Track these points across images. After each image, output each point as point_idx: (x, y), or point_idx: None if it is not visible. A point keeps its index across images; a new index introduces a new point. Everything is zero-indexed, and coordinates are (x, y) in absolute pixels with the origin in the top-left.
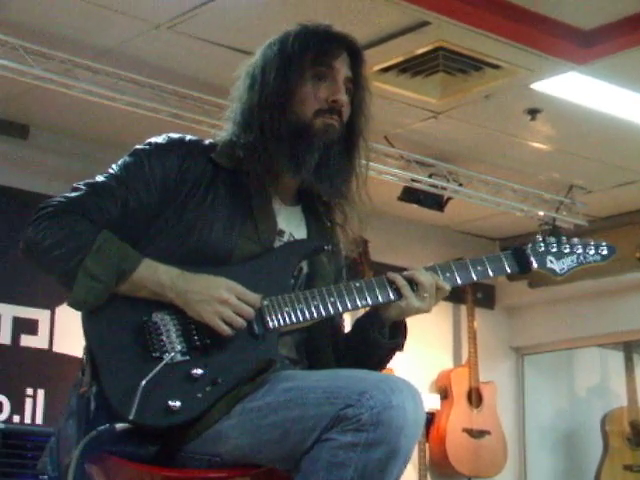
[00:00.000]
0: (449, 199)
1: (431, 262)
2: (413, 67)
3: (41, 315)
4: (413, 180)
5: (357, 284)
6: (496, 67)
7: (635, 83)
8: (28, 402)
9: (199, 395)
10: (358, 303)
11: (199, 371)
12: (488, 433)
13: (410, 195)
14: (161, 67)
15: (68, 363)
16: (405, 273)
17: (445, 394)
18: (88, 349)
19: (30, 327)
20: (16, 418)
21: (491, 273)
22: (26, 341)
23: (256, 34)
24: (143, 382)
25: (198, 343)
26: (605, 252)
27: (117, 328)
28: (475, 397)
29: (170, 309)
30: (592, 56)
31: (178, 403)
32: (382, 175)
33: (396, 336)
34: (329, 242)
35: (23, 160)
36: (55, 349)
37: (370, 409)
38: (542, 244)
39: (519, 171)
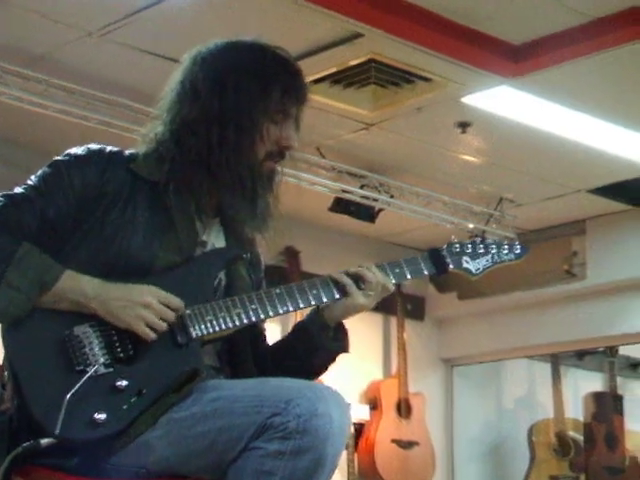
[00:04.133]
0: (380, 210)
1: None
2: (345, 79)
3: None
4: (344, 191)
5: (278, 291)
6: (427, 80)
7: (564, 97)
8: None
9: (124, 407)
10: (279, 309)
11: (123, 382)
12: (417, 444)
13: (341, 206)
14: (92, 75)
15: None
16: (352, 270)
17: (374, 405)
18: (9, 363)
19: None
20: None
21: (409, 275)
22: None
23: (187, 43)
24: (67, 396)
25: (122, 354)
26: (518, 251)
27: (39, 342)
28: (404, 408)
29: (92, 321)
30: (522, 70)
31: (104, 415)
32: (313, 186)
33: (339, 339)
34: (247, 251)
35: None
36: None
37: (297, 417)
38: (457, 245)
39: (450, 183)
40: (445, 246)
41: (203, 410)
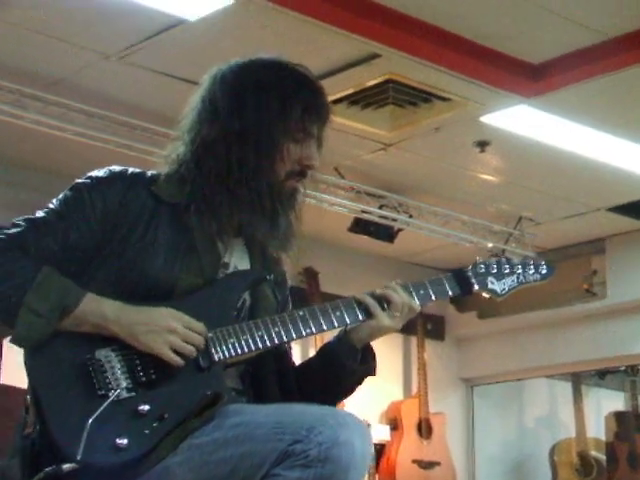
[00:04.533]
0: (399, 230)
1: None
2: (363, 99)
3: None
4: (363, 211)
5: (301, 313)
6: (446, 100)
7: (583, 116)
8: None
9: (146, 431)
10: (302, 332)
11: (145, 407)
12: (438, 464)
13: (360, 226)
14: (111, 98)
15: (17, 395)
16: (378, 291)
17: (395, 425)
18: (31, 388)
19: None
20: None
21: (433, 296)
22: None
23: (207, 65)
24: (89, 421)
25: (144, 379)
26: (544, 271)
27: (61, 366)
28: (425, 428)
29: (114, 345)
30: (541, 89)
31: (125, 440)
32: (333, 207)
33: (366, 360)
34: (272, 272)
35: None
36: (3, 380)
37: (318, 445)
38: (482, 265)
39: (468, 203)
40: (470, 267)
41: (225, 436)
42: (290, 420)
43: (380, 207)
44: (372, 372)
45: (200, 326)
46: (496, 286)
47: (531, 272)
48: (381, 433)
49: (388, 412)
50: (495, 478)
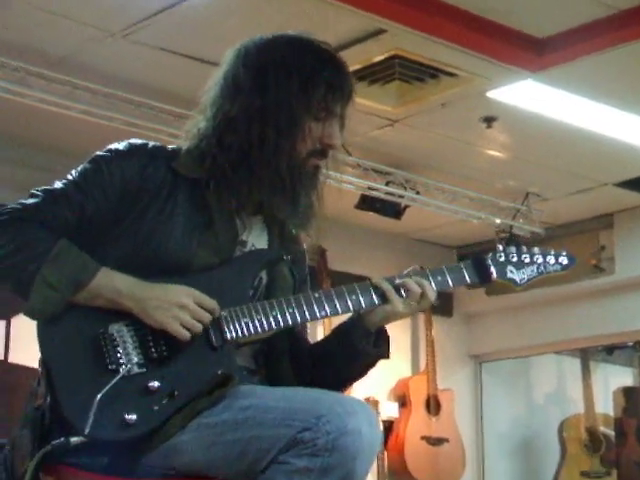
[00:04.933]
0: (406, 207)
1: (389, 270)
2: (369, 75)
3: None
4: (370, 188)
5: (316, 295)
6: (452, 75)
7: (590, 91)
8: None
9: (155, 408)
10: (317, 314)
11: (156, 384)
12: (446, 441)
13: (367, 203)
14: (116, 75)
15: (24, 373)
16: (397, 281)
17: (403, 402)
18: (43, 360)
19: None
20: None
21: (451, 283)
22: None
23: (212, 42)
24: (99, 396)
25: (155, 355)
26: (565, 262)
27: (73, 339)
28: (433, 405)
29: (127, 320)
30: (547, 64)
31: (134, 416)
32: (339, 183)
33: (380, 344)
34: (290, 251)
35: None
36: (11, 359)
37: (326, 434)
38: (502, 254)
39: (475, 179)
40: (490, 254)
41: (234, 418)
42: (299, 406)
43: (387, 184)
44: (386, 355)
45: (212, 303)
46: (515, 275)
47: (551, 262)
48: (389, 410)
49: (396, 389)
50: (504, 454)
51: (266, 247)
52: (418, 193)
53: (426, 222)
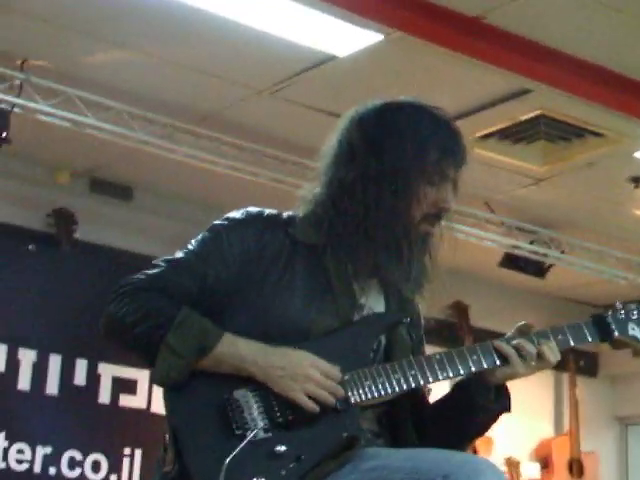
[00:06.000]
0: (551, 266)
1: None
2: (515, 134)
3: (139, 374)
4: (514, 246)
5: (437, 356)
6: (599, 135)
7: None
8: (125, 462)
9: (283, 472)
10: (439, 375)
11: (282, 448)
12: None
13: (511, 261)
14: (262, 131)
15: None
16: (514, 341)
17: (545, 463)
18: (170, 426)
19: (129, 387)
20: (113, 477)
21: (572, 342)
22: (125, 401)
23: (357, 100)
24: (227, 461)
25: (280, 419)
26: None
27: (199, 405)
28: (576, 468)
29: (251, 385)
30: None
31: None
32: (483, 241)
33: (500, 398)
34: (407, 313)
35: (127, 221)
36: (153, 409)
37: None
38: (622, 311)
39: (622, 238)
40: (610, 312)
41: (361, 479)
42: (426, 466)
43: (531, 242)
44: (507, 409)
45: (335, 372)
46: (637, 332)
47: None
48: (531, 471)
49: (538, 450)
50: None
51: (383, 310)
52: (563, 252)
53: (571, 281)
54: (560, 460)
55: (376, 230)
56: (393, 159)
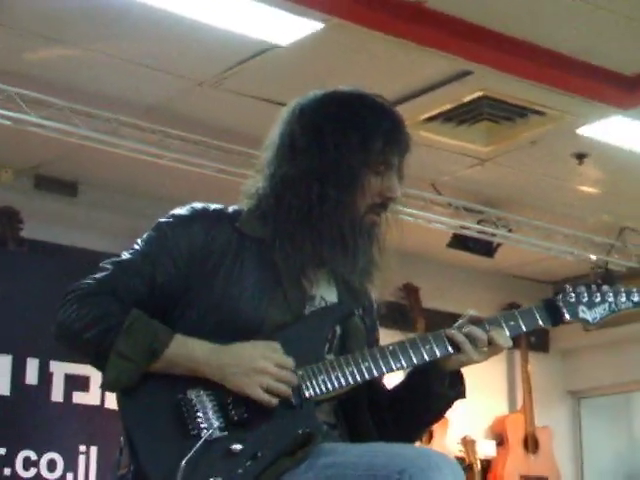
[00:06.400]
0: (499, 245)
1: (482, 307)
2: (458, 116)
3: (92, 371)
4: (462, 227)
5: (391, 347)
6: (541, 114)
7: None
8: (81, 459)
9: (240, 471)
10: (393, 366)
11: (238, 446)
12: (546, 479)
13: (459, 242)
14: (206, 123)
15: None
16: (465, 329)
17: (501, 440)
18: (125, 429)
19: (82, 384)
20: (69, 476)
21: (524, 328)
22: (78, 398)
23: (299, 88)
24: (183, 462)
25: (236, 418)
26: (636, 298)
27: (152, 407)
28: (531, 443)
29: (205, 384)
30: (636, 100)
31: None
32: (431, 223)
33: (455, 385)
34: (359, 301)
35: (73, 217)
36: (107, 405)
37: None
38: (572, 294)
39: (568, 215)
40: (560, 296)
41: (317, 476)
42: (381, 462)
43: (479, 222)
44: (461, 395)
45: (289, 362)
46: (587, 315)
47: (622, 300)
48: (487, 449)
49: (493, 427)
50: None
51: (336, 300)
52: (510, 231)
53: (519, 259)
54: (515, 436)
55: (321, 225)
56: (336, 153)
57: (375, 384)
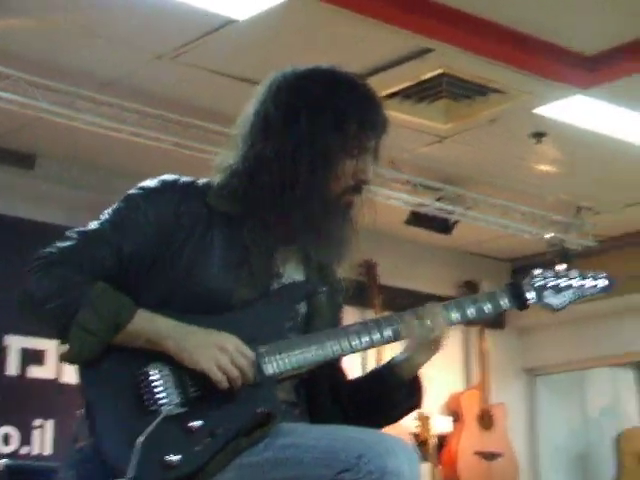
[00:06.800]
0: (456, 222)
1: (439, 284)
2: (417, 93)
3: (48, 345)
4: (420, 204)
5: (354, 327)
6: (500, 92)
7: (639, 105)
8: (36, 433)
9: (198, 448)
10: (356, 345)
11: (197, 423)
12: (500, 455)
13: (417, 219)
14: (164, 97)
15: (76, 393)
16: (420, 311)
17: (456, 416)
18: (85, 402)
19: (37, 357)
20: (25, 449)
21: (487, 311)
22: (33, 372)
23: (259, 63)
24: (141, 439)
25: (195, 394)
26: (604, 284)
27: (113, 381)
28: (486, 419)
29: (166, 360)
30: (595, 80)
31: (177, 457)
32: (389, 200)
33: (413, 394)
34: (326, 279)
35: (30, 190)
36: (63, 379)
37: (368, 474)
38: (538, 278)
39: (526, 193)
40: (526, 279)
41: (275, 456)
42: (340, 445)
43: (437, 199)
44: (417, 406)
45: (250, 353)
46: (553, 300)
47: (590, 285)
48: (442, 425)
49: (449, 403)
50: (559, 469)
51: (302, 278)
52: (468, 208)
53: (477, 236)
54: (470, 412)
55: (293, 206)
56: (311, 134)
57: (335, 367)
